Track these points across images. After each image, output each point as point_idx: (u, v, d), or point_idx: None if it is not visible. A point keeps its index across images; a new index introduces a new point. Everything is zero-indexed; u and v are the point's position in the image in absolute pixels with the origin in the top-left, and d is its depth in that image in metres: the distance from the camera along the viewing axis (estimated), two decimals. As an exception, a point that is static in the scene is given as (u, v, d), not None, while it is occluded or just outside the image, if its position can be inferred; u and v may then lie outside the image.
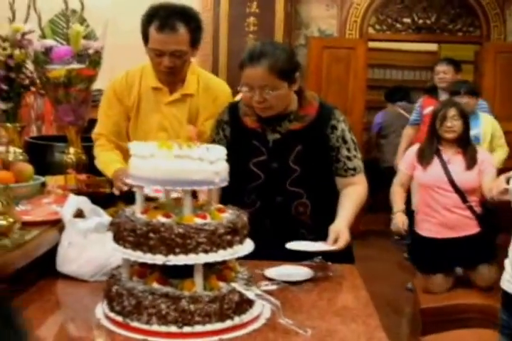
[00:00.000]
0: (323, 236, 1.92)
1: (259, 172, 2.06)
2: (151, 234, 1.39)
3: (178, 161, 1.43)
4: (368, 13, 5.51)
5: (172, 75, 2.30)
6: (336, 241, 1.89)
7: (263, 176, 2.06)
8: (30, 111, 4.39)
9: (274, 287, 1.72)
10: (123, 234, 1.44)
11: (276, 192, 2.06)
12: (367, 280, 1.94)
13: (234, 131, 2.12)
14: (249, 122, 2.07)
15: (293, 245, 1.91)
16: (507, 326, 2.17)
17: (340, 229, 1.92)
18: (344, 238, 1.89)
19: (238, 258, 1.55)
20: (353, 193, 2.07)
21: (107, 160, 2.39)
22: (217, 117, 2.17)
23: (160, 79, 2.35)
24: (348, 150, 2.07)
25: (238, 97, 2.09)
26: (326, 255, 1.93)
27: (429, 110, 4.09)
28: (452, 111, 3.32)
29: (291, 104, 2.04)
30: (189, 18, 2.24)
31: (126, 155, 2.40)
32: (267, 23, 4.86)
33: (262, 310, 1.52)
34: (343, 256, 1.99)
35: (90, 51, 2.72)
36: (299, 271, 1.88)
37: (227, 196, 1.87)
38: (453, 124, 3.31)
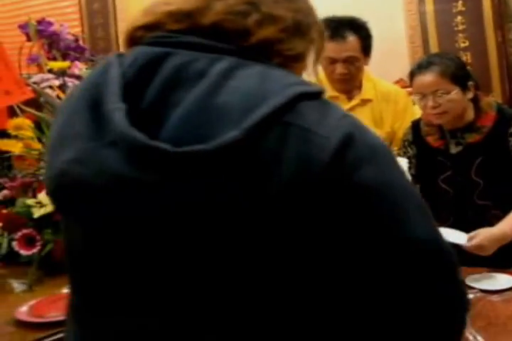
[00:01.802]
0: None
1: (447, 188, 2.05)
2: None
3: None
4: None
5: (346, 82, 2.39)
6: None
7: (452, 191, 2.04)
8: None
9: (471, 296, 1.70)
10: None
11: (467, 206, 2.03)
12: None
13: (419, 151, 2.15)
14: (432, 141, 2.09)
15: None
16: None
17: (482, 232, 1.84)
18: (478, 240, 1.81)
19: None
20: None
21: None
22: (403, 137, 2.22)
23: (335, 88, 2.42)
24: None
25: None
26: None
27: None
28: None
29: (467, 115, 2.00)
30: (358, 26, 2.36)
31: None
32: (476, 20, 4.67)
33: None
34: None
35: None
36: (503, 279, 1.81)
37: None
38: None
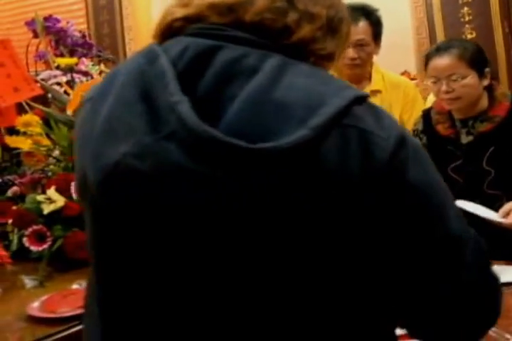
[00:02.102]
0: None
1: (457, 177, 2.04)
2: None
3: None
4: None
5: (356, 68, 2.42)
6: (507, 215, 1.81)
7: (461, 181, 2.03)
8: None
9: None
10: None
11: (475, 196, 2.01)
12: None
13: (429, 139, 2.13)
14: (442, 130, 2.07)
15: (461, 203, 1.82)
16: None
17: None
18: None
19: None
20: None
21: None
22: (413, 127, 2.21)
23: (345, 76, 2.44)
24: None
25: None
26: None
27: None
28: None
29: (481, 103, 1.99)
30: (369, 12, 2.41)
31: None
32: (483, 11, 4.64)
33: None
34: None
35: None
36: (510, 271, 1.82)
37: None
38: None
